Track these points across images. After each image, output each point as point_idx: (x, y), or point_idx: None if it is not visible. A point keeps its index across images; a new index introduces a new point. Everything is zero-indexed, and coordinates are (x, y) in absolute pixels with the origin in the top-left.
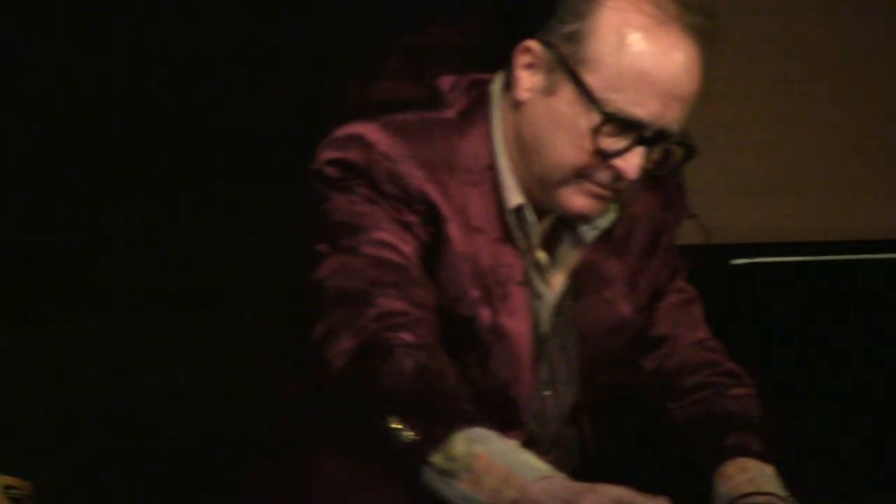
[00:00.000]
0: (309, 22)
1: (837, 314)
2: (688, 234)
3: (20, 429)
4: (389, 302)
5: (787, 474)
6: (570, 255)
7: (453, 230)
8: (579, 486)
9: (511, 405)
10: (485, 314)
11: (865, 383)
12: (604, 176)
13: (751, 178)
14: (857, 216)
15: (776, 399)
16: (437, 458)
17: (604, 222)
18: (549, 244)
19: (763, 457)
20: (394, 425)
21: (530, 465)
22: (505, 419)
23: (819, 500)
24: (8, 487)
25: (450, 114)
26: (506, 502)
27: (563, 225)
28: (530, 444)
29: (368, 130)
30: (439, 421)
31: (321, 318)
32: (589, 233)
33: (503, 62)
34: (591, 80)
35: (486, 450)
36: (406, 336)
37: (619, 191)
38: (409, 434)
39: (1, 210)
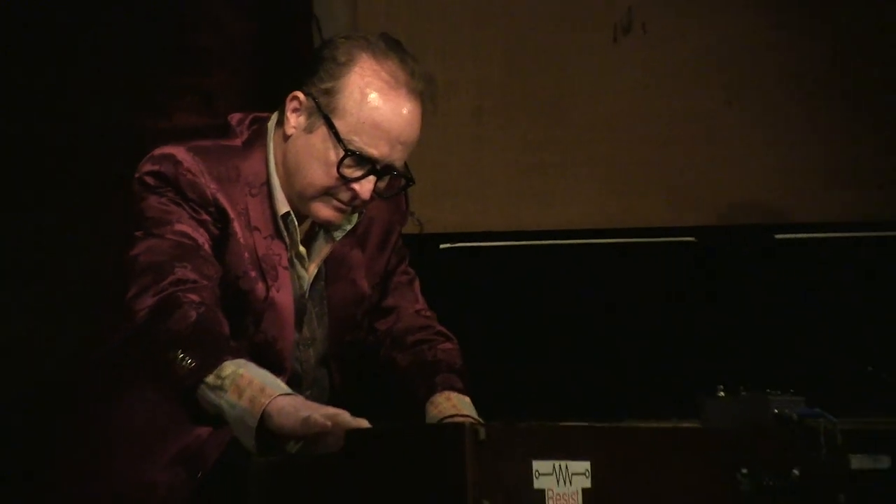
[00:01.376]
0: (123, 63)
1: (520, 287)
2: (407, 226)
3: None
4: (184, 272)
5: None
6: (323, 248)
7: (237, 227)
8: (312, 403)
9: (278, 355)
10: (260, 289)
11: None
12: (344, 195)
13: (453, 184)
14: (536, 214)
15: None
16: (209, 378)
17: (348, 226)
18: (308, 239)
19: (463, 392)
20: (178, 357)
21: (279, 385)
22: (273, 365)
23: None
24: None
25: (237, 142)
26: (259, 407)
27: (318, 226)
28: (294, 383)
29: (177, 151)
30: (212, 353)
31: (133, 284)
32: (337, 233)
33: (277, 103)
34: (339, 124)
35: (247, 371)
36: (193, 297)
37: (355, 207)
38: (189, 362)
39: None
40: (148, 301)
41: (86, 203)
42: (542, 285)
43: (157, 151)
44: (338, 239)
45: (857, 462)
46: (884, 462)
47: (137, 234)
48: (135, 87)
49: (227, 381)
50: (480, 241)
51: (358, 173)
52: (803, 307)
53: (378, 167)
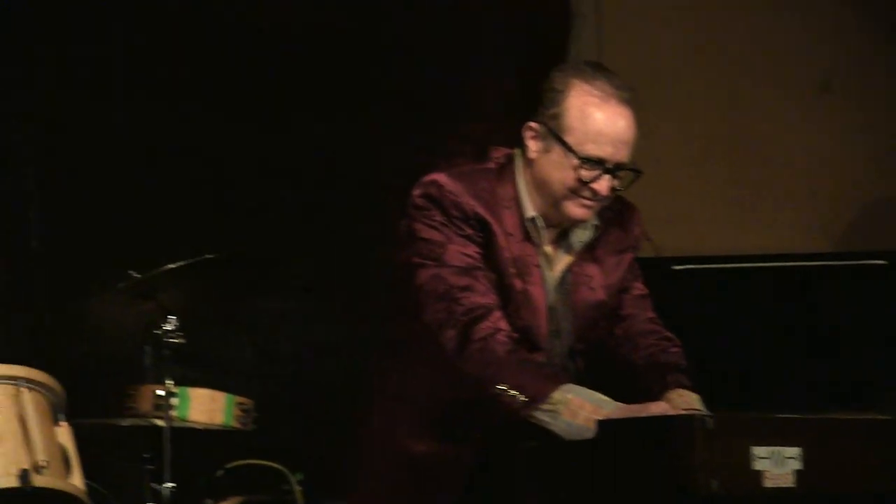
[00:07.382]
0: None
1: (741, 305)
2: (644, 250)
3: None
4: (469, 299)
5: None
6: (564, 257)
7: (497, 232)
8: (638, 405)
9: (534, 339)
10: (517, 283)
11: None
12: (587, 194)
13: (679, 212)
14: (753, 235)
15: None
16: (543, 405)
17: (585, 237)
18: (554, 249)
19: (691, 389)
20: (506, 392)
21: (605, 400)
22: (531, 347)
23: None
24: (238, 403)
25: (490, 165)
26: (595, 423)
27: (561, 239)
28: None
29: (440, 177)
30: (541, 384)
31: (427, 311)
32: (576, 244)
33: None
34: (569, 139)
35: (575, 395)
36: (487, 325)
37: (600, 201)
38: (520, 397)
39: None
40: (450, 333)
41: (389, 230)
42: (752, 302)
43: (426, 178)
44: (576, 249)
45: None
46: None
47: (416, 259)
48: (429, 136)
49: (559, 406)
50: (708, 264)
51: (594, 174)
52: None
53: (609, 166)
